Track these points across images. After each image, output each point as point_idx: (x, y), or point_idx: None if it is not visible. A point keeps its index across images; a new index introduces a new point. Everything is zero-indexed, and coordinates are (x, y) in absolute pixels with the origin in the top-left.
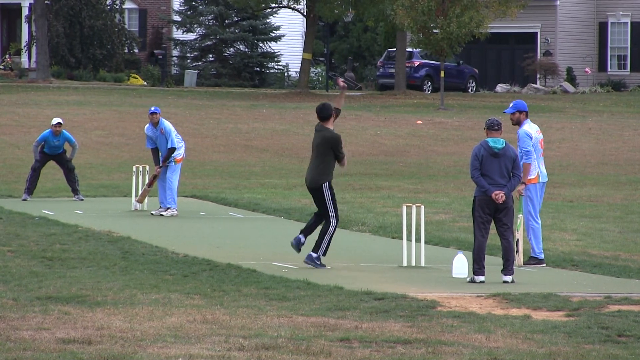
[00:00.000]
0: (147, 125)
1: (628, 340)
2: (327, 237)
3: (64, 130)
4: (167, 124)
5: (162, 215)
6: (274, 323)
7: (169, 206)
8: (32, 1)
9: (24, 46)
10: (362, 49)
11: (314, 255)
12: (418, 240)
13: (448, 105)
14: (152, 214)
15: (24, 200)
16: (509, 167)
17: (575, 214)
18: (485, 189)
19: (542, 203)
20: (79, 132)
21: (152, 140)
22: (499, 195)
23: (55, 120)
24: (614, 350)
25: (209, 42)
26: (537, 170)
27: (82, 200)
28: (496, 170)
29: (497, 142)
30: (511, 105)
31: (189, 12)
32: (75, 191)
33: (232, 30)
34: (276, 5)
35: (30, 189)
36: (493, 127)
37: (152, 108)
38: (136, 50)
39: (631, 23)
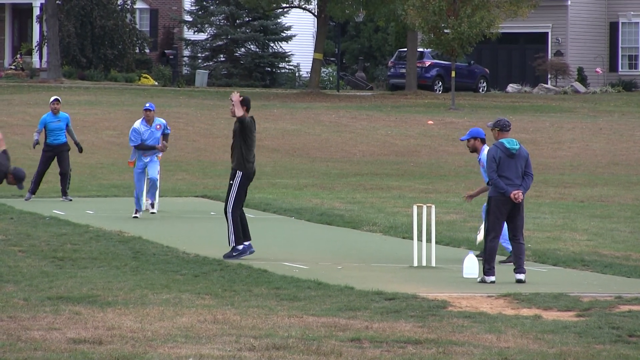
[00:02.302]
0: (140, 122)
1: (639, 341)
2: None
3: (62, 112)
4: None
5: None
6: (285, 323)
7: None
8: (43, 1)
9: (35, 46)
10: (373, 49)
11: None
12: (429, 240)
13: (459, 105)
14: (152, 212)
15: (27, 200)
16: (523, 167)
17: (586, 214)
18: (504, 190)
19: (553, 203)
20: (90, 132)
21: (139, 137)
22: (518, 195)
23: (52, 98)
24: (624, 350)
25: (220, 42)
26: None
27: (70, 201)
28: (513, 170)
29: (512, 142)
30: (467, 133)
31: (200, 12)
32: (64, 192)
33: (243, 30)
34: (287, 5)
35: (33, 190)
36: (505, 128)
37: (148, 104)
38: (147, 50)
39: None
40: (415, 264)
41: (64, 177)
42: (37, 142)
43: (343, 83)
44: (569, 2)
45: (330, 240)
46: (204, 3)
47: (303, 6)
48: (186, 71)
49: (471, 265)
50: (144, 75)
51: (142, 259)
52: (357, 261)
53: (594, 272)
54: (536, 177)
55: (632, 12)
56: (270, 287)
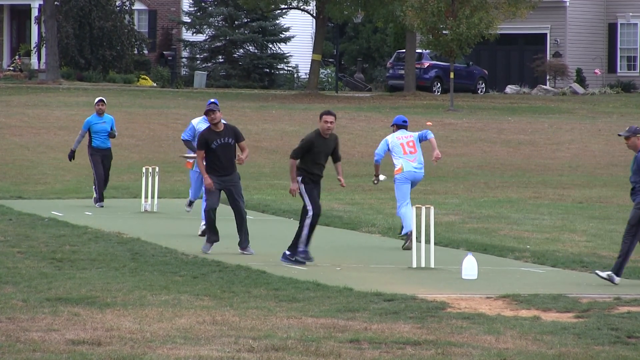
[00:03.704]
0: (200, 120)
1: (638, 342)
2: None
3: (107, 114)
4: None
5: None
6: (284, 324)
7: None
8: (41, 2)
9: (34, 47)
10: (372, 50)
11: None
12: (428, 241)
13: (458, 106)
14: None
15: (101, 207)
16: None
17: (585, 215)
18: None
19: (552, 204)
20: None
21: (192, 133)
22: None
23: (97, 99)
24: (623, 351)
25: (218, 44)
26: (401, 164)
27: (102, 207)
28: None
29: None
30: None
31: (198, 14)
32: (101, 198)
33: (241, 32)
34: (286, 7)
35: (100, 196)
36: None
37: (213, 99)
38: (146, 52)
39: None
40: (414, 265)
41: (105, 181)
42: (73, 153)
43: (341, 84)
44: (568, 3)
45: (329, 242)
46: (203, 4)
47: (301, 7)
48: (185, 72)
49: (470, 267)
50: (143, 76)
51: (141, 260)
52: (356, 262)
53: (592, 274)
54: (535, 178)
55: (630, 13)
56: (269, 288)
